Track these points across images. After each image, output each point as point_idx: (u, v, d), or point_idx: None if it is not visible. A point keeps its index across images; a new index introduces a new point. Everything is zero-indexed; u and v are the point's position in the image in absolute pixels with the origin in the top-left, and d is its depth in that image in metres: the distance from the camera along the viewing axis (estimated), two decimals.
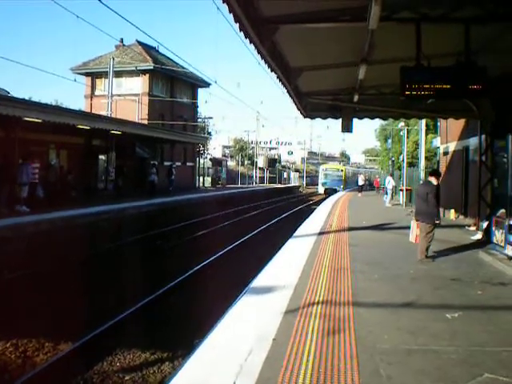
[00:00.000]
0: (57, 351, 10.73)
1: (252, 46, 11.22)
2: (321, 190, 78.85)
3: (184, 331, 11.73)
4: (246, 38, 10.44)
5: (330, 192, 70.24)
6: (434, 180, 14.36)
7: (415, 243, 14.57)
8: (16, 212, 23.55)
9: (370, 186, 78.11)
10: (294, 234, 19.27)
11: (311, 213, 31.08)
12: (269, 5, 10.08)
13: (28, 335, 11.18)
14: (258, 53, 11.92)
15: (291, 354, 6.72)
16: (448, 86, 11.05)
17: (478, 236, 18.35)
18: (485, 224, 17.98)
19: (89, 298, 13.62)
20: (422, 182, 17.03)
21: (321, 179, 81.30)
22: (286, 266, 13.06)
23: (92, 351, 10.53)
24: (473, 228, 20.38)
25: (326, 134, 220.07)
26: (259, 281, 11.32)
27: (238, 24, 9.57)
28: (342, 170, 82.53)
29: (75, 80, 41.64)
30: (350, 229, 20.98)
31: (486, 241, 16.72)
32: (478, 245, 16.79)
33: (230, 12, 8.90)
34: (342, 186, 76.91)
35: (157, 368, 10.16)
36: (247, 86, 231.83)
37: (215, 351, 6.86)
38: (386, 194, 41.32)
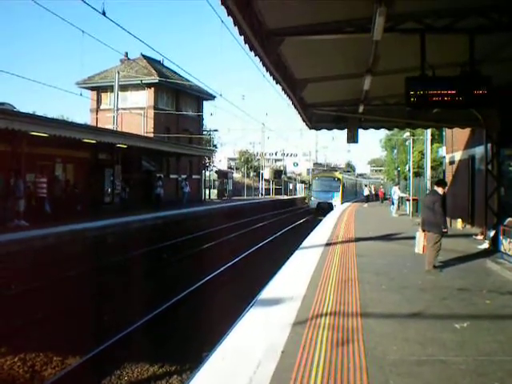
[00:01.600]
0: (65, 365, 10.76)
1: (257, 59, 11.26)
2: (314, 204, 62.56)
3: (193, 342, 11.73)
4: (251, 50, 10.47)
5: (324, 208, 56.86)
6: (440, 189, 14.31)
7: (422, 254, 14.53)
8: (11, 227, 23.37)
9: (375, 196, 68.47)
10: (301, 245, 19.24)
11: (318, 223, 31.08)
12: (273, 17, 10.12)
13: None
14: (263, 65, 11.95)
15: (300, 365, 6.70)
16: (453, 96, 11.05)
17: (486, 245, 18.29)
18: (492, 233, 17.93)
19: (91, 310, 13.67)
20: (428, 191, 17.02)
21: (313, 191, 65.68)
22: (293, 277, 13.03)
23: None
24: (480, 237, 20.31)
25: (331, 144, 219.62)
26: (267, 292, 11.30)
27: (242, 37, 9.61)
28: (338, 179, 63.84)
29: (81, 94, 41.72)
30: (357, 239, 20.94)
31: (494, 250, 16.68)
32: (485, 254, 16.73)
33: (234, 25, 8.94)
34: (338, 199, 61.19)
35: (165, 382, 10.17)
36: (252, 98, 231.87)
37: (224, 362, 6.85)
38: (393, 204, 41.25)
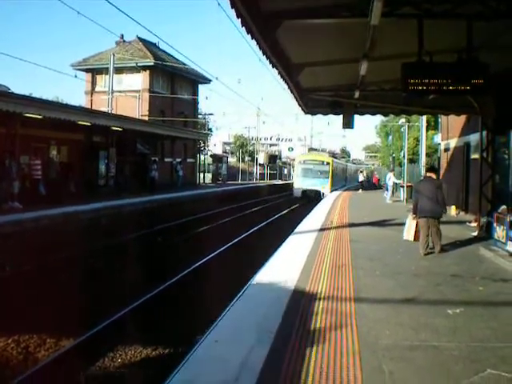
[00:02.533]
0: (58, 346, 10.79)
1: (254, 42, 11.23)
2: (298, 192, 53.06)
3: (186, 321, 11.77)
4: (247, 33, 10.44)
5: (310, 197, 50.27)
6: (434, 176, 14.57)
7: (412, 241, 14.84)
8: (5, 209, 23.33)
9: (367, 183, 63.81)
10: (295, 231, 19.26)
11: (313, 208, 31.11)
12: (270, 1, 10.08)
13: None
14: (260, 49, 11.92)
15: (293, 350, 6.73)
16: (449, 82, 11.03)
17: (479, 233, 18.34)
18: (486, 220, 18.00)
19: (85, 292, 13.68)
20: (423, 178, 16.99)
21: (297, 177, 54.96)
22: (287, 261, 13.05)
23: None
24: (474, 224, 20.35)
25: (326, 130, 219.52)
26: (260, 276, 11.32)
27: (239, 19, 9.56)
28: (328, 163, 54.09)
29: (76, 76, 41.57)
30: (351, 225, 20.97)
31: (487, 237, 16.74)
32: (479, 241, 16.79)
33: (232, 7, 8.89)
34: (327, 187, 52.04)
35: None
36: (248, 83, 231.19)
37: (218, 346, 6.87)
38: (387, 190, 41.29)
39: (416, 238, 15.36)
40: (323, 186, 51.54)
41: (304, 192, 51.78)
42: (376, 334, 7.47)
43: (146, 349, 10.98)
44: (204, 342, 7.00)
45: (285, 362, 6.29)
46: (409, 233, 16.12)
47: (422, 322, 8.19)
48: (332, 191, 51.21)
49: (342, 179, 70.88)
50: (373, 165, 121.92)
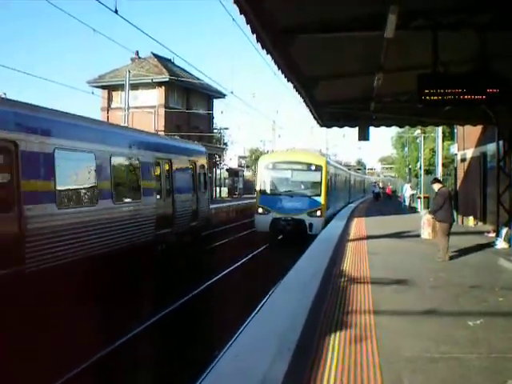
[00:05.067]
0: None
1: (268, 57, 11.29)
2: (263, 223, 28.51)
3: None
4: (262, 48, 10.50)
5: (285, 232, 28.31)
6: (437, 186, 16.28)
7: (429, 239, 15.38)
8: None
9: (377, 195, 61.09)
10: (312, 244, 19.14)
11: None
12: (285, 15, 10.13)
13: None
14: (275, 63, 11.98)
15: (314, 363, 6.72)
16: (465, 93, 11.01)
17: (498, 243, 18.24)
18: (504, 230, 17.91)
19: None
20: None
21: (261, 194, 29.89)
22: (305, 273, 13.04)
23: None
24: (492, 234, 20.24)
25: (342, 142, 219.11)
26: (282, 288, 11.30)
27: (255, 35, 9.64)
28: (318, 168, 29.51)
29: (93, 93, 41.91)
30: (368, 237, 20.92)
31: (506, 247, 16.67)
32: (497, 251, 16.70)
33: (247, 24, 8.95)
34: (318, 212, 28.20)
35: None
36: (263, 97, 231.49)
37: (238, 359, 6.86)
38: (404, 201, 41.17)
39: (433, 236, 16.32)
40: (311, 210, 28.04)
41: (275, 223, 27.98)
42: (396, 346, 7.44)
43: None
44: (224, 356, 7.00)
45: (305, 376, 6.29)
46: (427, 231, 17.62)
47: (442, 333, 8.15)
48: (328, 218, 29.16)
49: (344, 195, 46.21)
50: (378, 176, 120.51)
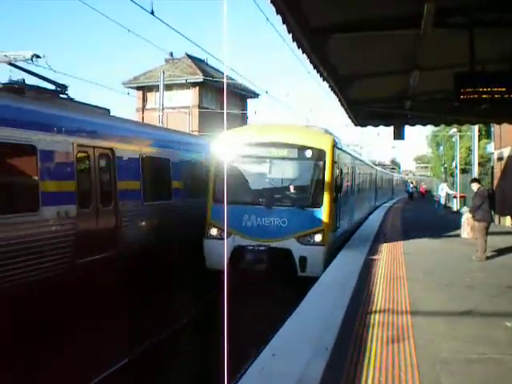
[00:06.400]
0: None
1: (304, 56, 11.28)
2: (214, 255, 14.94)
3: None
4: (298, 48, 10.49)
5: (257, 268, 15.02)
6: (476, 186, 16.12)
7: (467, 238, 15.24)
8: None
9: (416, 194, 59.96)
10: (348, 243, 19.10)
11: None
12: (321, 15, 10.11)
13: None
14: (310, 62, 11.96)
15: (351, 364, 6.71)
16: (502, 91, 10.88)
17: None
18: None
19: None
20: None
21: (216, 203, 15.76)
22: (341, 272, 13.02)
23: None
24: None
25: (376, 141, 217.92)
26: (317, 288, 11.31)
27: (291, 35, 9.64)
28: (319, 156, 16.00)
29: (128, 93, 42.29)
30: (404, 237, 20.78)
31: None
32: None
33: (283, 23, 8.95)
34: (320, 231, 15.20)
35: None
36: (296, 96, 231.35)
37: (274, 358, 6.88)
38: (440, 201, 40.79)
39: (469, 235, 16.32)
40: (304, 231, 15.43)
41: (239, 255, 15.32)
42: (433, 346, 7.41)
43: None
44: (261, 355, 7.03)
45: (342, 377, 6.28)
46: (466, 230, 17.52)
47: (480, 334, 8.10)
48: (337, 244, 17.59)
49: (366, 199, 33.60)
50: (407, 174, 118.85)
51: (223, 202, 12.10)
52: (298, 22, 9.23)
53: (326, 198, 15.64)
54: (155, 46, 68.57)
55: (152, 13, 14.98)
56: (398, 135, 21.37)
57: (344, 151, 20.72)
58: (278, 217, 15.44)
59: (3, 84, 12.73)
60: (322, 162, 15.98)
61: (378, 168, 51.94)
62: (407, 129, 21.98)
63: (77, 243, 12.26)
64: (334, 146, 16.62)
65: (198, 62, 53.45)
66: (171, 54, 53.43)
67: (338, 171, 17.30)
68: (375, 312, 9.38)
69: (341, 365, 6.64)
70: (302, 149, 16.11)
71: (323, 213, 15.50)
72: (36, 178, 11.31)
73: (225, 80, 34.35)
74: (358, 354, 7.08)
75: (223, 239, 14.98)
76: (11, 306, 9.95)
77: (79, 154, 12.78)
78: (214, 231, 15.74)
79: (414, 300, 10.28)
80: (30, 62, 14.11)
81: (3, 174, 10.68)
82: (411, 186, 67.88)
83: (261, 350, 7.34)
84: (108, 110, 15.71)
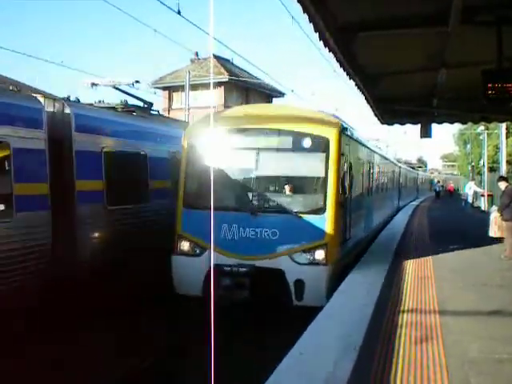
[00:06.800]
0: None
1: (330, 54, 11.27)
2: (185, 276, 12.17)
3: None
4: (325, 46, 10.48)
5: (238, 295, 11.45)
6: (503, 184, 16.12)
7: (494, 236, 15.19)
8: None
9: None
10: (375, 241, 19.03)
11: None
12: (348, 13, 10.08)
13: None
14: (337, 61, 11.94)
15: (379, 363, 6.69)
16: None
17: None
18: None
19: None
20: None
21: (185, 194, 12.98)
22: (369, 271, 12.97)
23: None
24: None
25: (403, 139, 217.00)
26: (344, 286, 11.28)
27: (317, 33, 9.63)
28: (322, 146, 12.59)
29: (155, 93, 42.65)
30: (431, 235, 20.66)
31: None
32: None
33: (310, 22, 8.95)
34: (323, 246, 11.72)
35: None
36: (322, 94, 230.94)
37: (302, 357, 6.88)
38: (467, 199, 40.46)
39: (495, 234, 16.28)
40: (301, 246, 11.86)
41: (217, 277, 11.14)
42: (462, 346, 7.36)
43: None
44: (289, 354, 7.03)
45: (371, 376, 6.26)
46: (491, 229, 17.37)
47: (509, 334, 8.02)
48: (346, 262, 13.56)
49: (386, 202, 28.91)
50: (432, 173, 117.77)
51: (197, 207, 12.18)
52: (324, 20, 9.22)
53: (331, 200, 12.12)
54: (181, 46, 68.85)
55: (179, 12, 15.04)
56: (425, 133, 21.21)
57: (356, 141, 16.83)
58: (266, 226, 11.99)
59: (129, 105, 15.68)
60: (325, 154, 12.48)
61: (402, 165, 47.86)
62: (434, 127, 21.84)
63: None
64: (342, 133, 13.13)
65: (224, 62, 53.58)
66: (197, 54, 53.69)
67: (347, 166, 13.77)
68: (403, 312, 9.34)
69: (369, 364, 6.62)
70: (298, 136, 12.67)
71: (327, 220, 11.97)
72: None
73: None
74: (385, 353, 7.06)
75: (197, 255, 12.23)
76: None
77: None
78: (184, 245, 12.52)
79: (442, 299, 10.21)
80: (131, 85, 16.20)
81: None
82: (438, 184, 67.37)
83: (289, 348, 7.34)
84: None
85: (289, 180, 12.72)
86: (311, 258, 11.65)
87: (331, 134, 12.62)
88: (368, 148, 20.46)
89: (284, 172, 12.98)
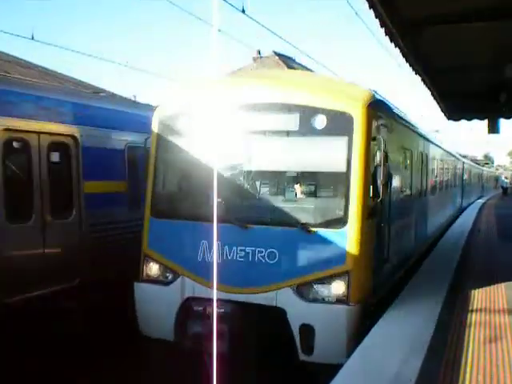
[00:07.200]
0: None
1: (396, 50, 11.22)
2: (152, 312, 9.04)
3: None
4: (391, 42, 10.44)
5: (222, 345, 7.85)
6: None
7: None
8: None
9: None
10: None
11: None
12: (414, 8, 10.00)
13: None
14: (403, 56, 11.88)
15: (448, 362, 6.61)
16: None
17: None
18: None
19: None
20: None
21: (154, 198, 9.68)
22: (432, 272, 12.84)
23: None
24: None
25: (469, 135, 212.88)
26: (412, 286, 11.17)
27: (383, 29, 9.60)
28: (344, 127, 8.58)
29: None
30: (499, 232, 20.28)
31: None
32: None
33: (376, 17, 8.93)
34: (344, 275, 8.10)
35: None
36: (384, 91, 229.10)
37: (369, 356, 6.85)
38: None
39: None
40: (312, 275, 8.31)
41: (193, 316, 8.63)
42: None
43: None
44: (356, 353, 7.01)
45: (440, 375, 6.19)
46: None
47: None
48: (378, 295, 9.25)
49: (443, 205, 23.71)
50: (497, 169, 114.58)
51: (170, 216, 9.30)
52: (390, 15, 9.18)
53: (356, 207, 8.39)
54: (245, 44, 69.20)
55: (243, 11, 15.08)
56: (493, 129, 20.80)
57: (400, 123, 12.10)
58: (261, 244, 8.57)
59: None
60: (347, 139, 8.59)
61: (466, 160, 41.84)
62: (502, 122, 21.39)
63: None
64: (374, 107, 9.09)
65: (286, 60, 53.63)
66: (259, 52, 53.87)
67: (382, 156, 8.92)
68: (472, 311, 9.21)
69: (437, 364, 6.54)
70: (308, 113, 8.74)
71: (349, 236, 8.31)
72: None
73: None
74: (454, 352, 6.97)
75: (168, 283, 9.10)
76: None
77: None
78: (152, 268, 9.31)
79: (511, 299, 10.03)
80: None
81: None
82: (507, 181, 65.90)
83: (354, 348, 7.30)
84: None
85: (293, 178, 9.28)
86: (326, 292, 8.23)
87: (356, 109, 8.63)
88: (417, 133, 15.27)
89: (287, 166, 9.36)
